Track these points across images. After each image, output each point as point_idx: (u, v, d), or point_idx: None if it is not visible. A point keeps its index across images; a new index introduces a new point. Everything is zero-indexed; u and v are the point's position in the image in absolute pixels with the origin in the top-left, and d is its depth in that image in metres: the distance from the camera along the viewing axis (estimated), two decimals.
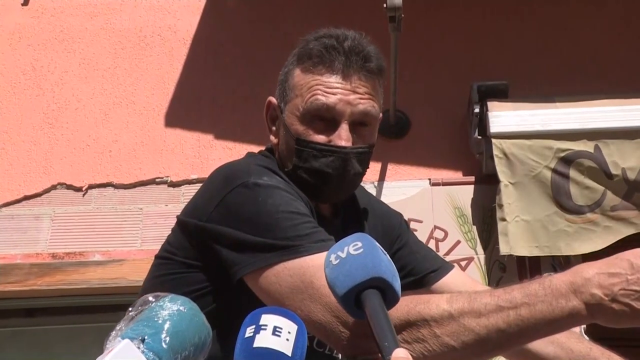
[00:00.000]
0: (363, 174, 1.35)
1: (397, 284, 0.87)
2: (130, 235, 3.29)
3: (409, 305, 1.01)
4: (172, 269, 1.28)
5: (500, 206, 2.97)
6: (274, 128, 1.39)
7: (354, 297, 0.84)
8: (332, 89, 1.28)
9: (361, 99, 1.29)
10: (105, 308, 3.18)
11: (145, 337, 0.82)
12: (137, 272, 3.05)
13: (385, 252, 0.90)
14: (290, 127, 1.31)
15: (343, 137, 1.28)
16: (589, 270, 0.96)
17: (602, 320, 0.96)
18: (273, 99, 1.39)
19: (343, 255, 0.87)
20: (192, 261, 1.25)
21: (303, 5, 3.72)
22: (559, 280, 0.97)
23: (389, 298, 0.85)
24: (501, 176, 2.99)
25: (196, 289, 1.23)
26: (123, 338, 0.81)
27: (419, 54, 3.54)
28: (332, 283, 0.86)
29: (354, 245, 0.87)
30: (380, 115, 1.37)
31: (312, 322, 1.08)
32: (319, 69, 1.29)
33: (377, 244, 0.89)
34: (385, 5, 2.70)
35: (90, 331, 3.14)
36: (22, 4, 3.85)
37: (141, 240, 3.26)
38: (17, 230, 3.31)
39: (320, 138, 1.29)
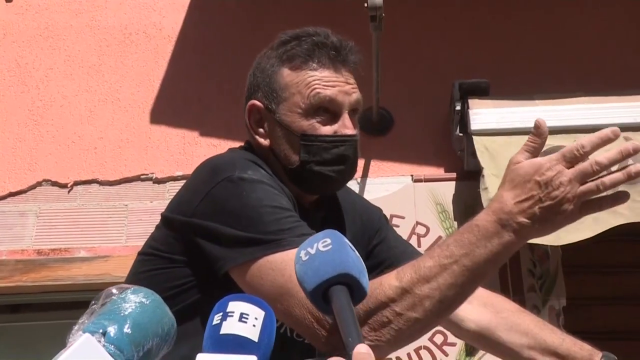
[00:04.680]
0: None
1: (364, 280, 0.88)
2: (115, 232, 3.30)
3: None
4: (156, 265, 1.29)
5: (485, 189, 2.93)
6: (261, 130, 1.39)
7: (322, 292, 0.86)
8: (329, 82, 1.33)
9: (353, 88, 1.36)
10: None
11: (107, 331, 0.81)
12: (122, 269, 3.05)
13: (354, 249, 0.92)
14: (292, 125, 1.33)
15: (348, 126, 1.34)
16: (507, 201, 1.06)
17: (534, 238, 1.08)
18: (257, 102, 1.39)
19: (312, 251, 0.89)
20: (177, 256, 1.26)
21: (288, 5, 3.73)
22: (484, 221, 1.07)
23: (357, 294, 0.87)
24: (485, 168, 2.99)
25: (181, 284, 1.25)
26: (84, 332, 0.81)
27: (402, 52, 3.56)
28: (301, 279, 0.88)
29: (323, 242, 0.89)
30: None
31: (290, 316, 1.11)
32: (310, 65, 1.34)
33: (346, 240, 0.91)
34: (366, 5, 2.72)
35: None
36: (6, 1, 3.83)
37: (126, 236, 3.27)
38: (2, 227, 3.31)
39: (327, 129, 1.33)
